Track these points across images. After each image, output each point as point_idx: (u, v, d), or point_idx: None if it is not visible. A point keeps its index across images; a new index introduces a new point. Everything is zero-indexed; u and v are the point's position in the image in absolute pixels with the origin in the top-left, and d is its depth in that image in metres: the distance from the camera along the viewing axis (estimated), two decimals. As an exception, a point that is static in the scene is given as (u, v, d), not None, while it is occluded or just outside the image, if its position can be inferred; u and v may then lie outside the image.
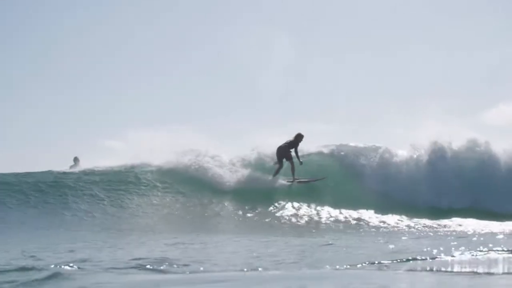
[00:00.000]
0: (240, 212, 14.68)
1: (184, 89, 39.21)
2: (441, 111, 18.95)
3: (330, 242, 9.00)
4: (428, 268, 5.97)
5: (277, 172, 16.12)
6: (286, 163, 16.11)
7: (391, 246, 8.19)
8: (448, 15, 39.27)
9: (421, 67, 37.58)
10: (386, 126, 25.40)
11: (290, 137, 16.14)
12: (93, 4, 42.39)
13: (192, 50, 41.62)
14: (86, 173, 16.12)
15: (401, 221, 14.17)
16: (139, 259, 6.85)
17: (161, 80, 40.13)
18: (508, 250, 7.31)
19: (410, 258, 6.60)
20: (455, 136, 17.50)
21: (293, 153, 16.01)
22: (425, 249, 7.50)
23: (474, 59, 37.35)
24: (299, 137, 16.05)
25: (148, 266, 6.21)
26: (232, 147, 18.27)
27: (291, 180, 16.02)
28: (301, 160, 15.91)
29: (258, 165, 16.78)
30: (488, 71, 36.15)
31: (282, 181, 16.08)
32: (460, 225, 13.44)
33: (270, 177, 16.07)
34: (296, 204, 15.21)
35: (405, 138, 18.74)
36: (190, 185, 15.92)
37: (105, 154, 18.10)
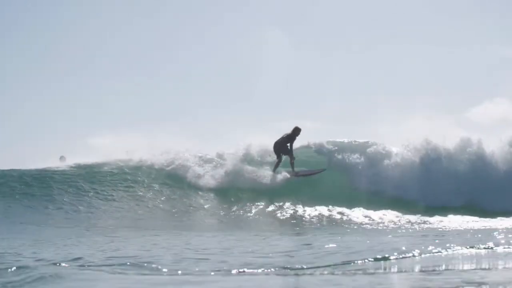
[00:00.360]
0: (224, 210, 14.68)
1: (177, 89, 39.09)
2: (432, 109, 18.99)
3: (309, 242, 9.00)
4: (385, 269, 6.01)
5: (276, 167, 16.13)
6: (284, 157, 16.10)
7: (365, 246, 8.20)
8: (440, 14, 39.43)
9: (414, 65, 37.70)
10: (378, 123, 25.50)
11: (287, 131, 16.09)
12: (85, 3, 41.99)
13: (185, 49, 41.56)
14: (71, 167, 16.10)
15: (386, 216, 14.24)
16: (122, 258, 6.88)
17: (155, 79, 39.93)
18: (474, 247, 7.42)
19: (379, 257, 6.62)
20: (447, 134, 17.56)
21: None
22: (398, 247, 7.54)
23: (466, 57, 37.54)
24: (296, 131, 16.02)
25: (129, 266, 6.21)
26: (223, 145, 18.23)
27: (292, 174, 16.00)
28: (294, 156, 15.92)
29: (245, 162, 16.71)
30: (479, 70, 36.35)
31: (280, 175, 15.99)
32: (441, 221, 13.55)
33: (270, 172, 16.04)
34: (282, 202, 15.19)
35: (396, 135, 18.77)
36: (173, 181, 15.93)
37: (91, 153, 17.97)
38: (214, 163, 16.80)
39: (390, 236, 10.27)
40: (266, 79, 33.84)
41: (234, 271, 5.92)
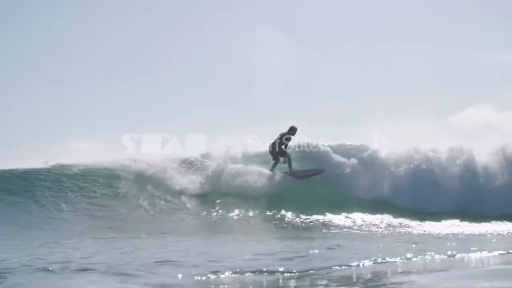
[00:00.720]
0: (206, 213, 14.57)
1: (175, 89, 38.79)
2: (431, 110, 18.95)
3: (291, 247, 8.97)
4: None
5: (274, 167, 15.95)
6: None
7: (345, 252, 8.20)
8: (440, 14, 39.35)
9: (413, 66, 37.56)
10: (375, 124, 25.31)
11: (282, 131, 15.93)
12: (78, 2, 41.65)
13: (183, 49, 41.13)
14: (55, 167, 16.02)
15: (370, 220, 14.25)
16: (101, 263, 6.87)
17: (152, 79, 39.62)
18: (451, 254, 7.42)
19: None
20: (442, 137, 17.55)
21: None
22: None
23: (462, 59, 37.51)
24: (292, 130, 15.81)
25: (109, 272, 6.19)
26: (220, 145, 17.97)
27: (289, 174, 15.81)
28: (285, 158, 15.81)
29: (228, 163, 16.49)
30: (476, 71, 36.34)
31: (276, 175, 15.86)
32: (420, 225, 13.59)
33: (269, 172, 15.84)
34: (266, 205, 14.97)
35: (393, 137, 18.57)
36: (156, 181, 15.78)
37: (79, 155, 17.81)
38: (196, 165, 16.61)
39: (369, 241, 10.29)
40: (265, 79, 33.65)
41: (211, 276, 5.92)
